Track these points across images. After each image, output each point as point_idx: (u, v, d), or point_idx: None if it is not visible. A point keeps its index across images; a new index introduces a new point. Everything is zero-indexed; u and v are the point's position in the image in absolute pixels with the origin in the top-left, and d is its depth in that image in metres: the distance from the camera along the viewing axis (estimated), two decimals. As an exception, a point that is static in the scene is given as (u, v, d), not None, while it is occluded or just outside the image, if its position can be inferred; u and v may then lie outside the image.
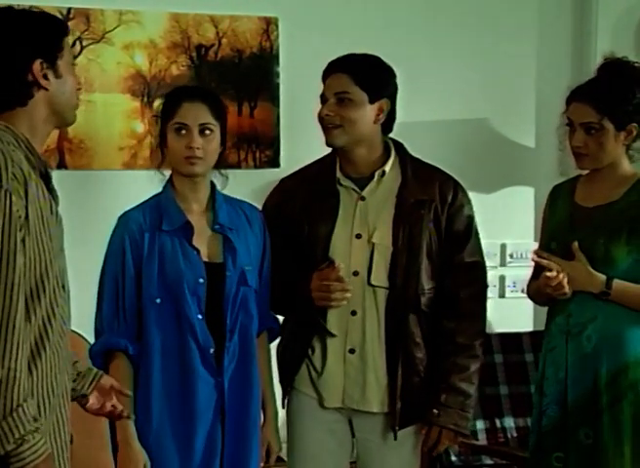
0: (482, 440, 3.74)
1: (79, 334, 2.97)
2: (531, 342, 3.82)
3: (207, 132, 2.55)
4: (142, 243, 2.52)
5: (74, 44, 3.37)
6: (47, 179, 2.10)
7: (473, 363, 2.70)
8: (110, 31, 3.51)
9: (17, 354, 1.93)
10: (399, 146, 2.76)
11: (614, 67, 2.74)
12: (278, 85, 3.72)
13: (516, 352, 3.90)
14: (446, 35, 3.90)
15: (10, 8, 2.14)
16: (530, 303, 3.64)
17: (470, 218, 2.74)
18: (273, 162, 3.72)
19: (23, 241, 1.97)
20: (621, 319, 2.68)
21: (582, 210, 2.77)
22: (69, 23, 3.32)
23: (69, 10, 3.43)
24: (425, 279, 2.67)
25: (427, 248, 2.66)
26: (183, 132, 2.54)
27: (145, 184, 3.40)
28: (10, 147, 2.01)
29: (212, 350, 2.51)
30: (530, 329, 3.93)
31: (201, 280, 2.52)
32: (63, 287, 2.13)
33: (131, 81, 3.55)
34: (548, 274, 2.67)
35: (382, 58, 2.72)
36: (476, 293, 2.73)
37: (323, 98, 2.71)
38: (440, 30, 3.90)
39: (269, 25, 3.70)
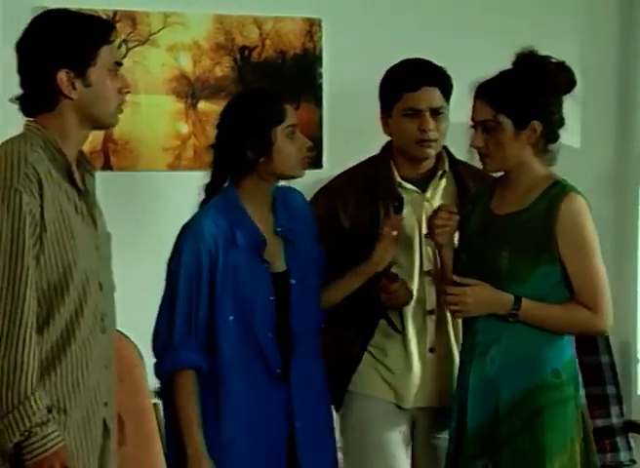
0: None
1: (125, 335, 2.97)
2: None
3: None
4: (217, 258, 2.44)
5: (120, 46, 3.39)
6: (73, 180, 2.14)
7: None
8: (155, 33, 3.53)
9: (23, 348, 1.98)
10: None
11: (524, 61, 2.52)
12: (321, 86, 3.72)
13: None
14: (489, 35, 3.87)
15: (51, 12, 2.19)
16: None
17: None
18: (316, 163, 3.71)
19: (41, 239, 2.02)
20: (527, 340, 2.46)
21: (494, 217, 2.54)
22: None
23: (115, 13, 3.46)
24: None
25: None
26: (295, 134, 2.50)
27: (189, 185, 3.43)
28: (32, 148, 2.06)
29: (278, 370, 2.48)
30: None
31: (271, 297, 2.48)
32: (100, 285, 2.17)
33: (175, 82, 3.57)
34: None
35: (425, 58, 2.72)
36: None
37: None
38: (483, 30, 3.86)
39: (313, 26, 3.70)
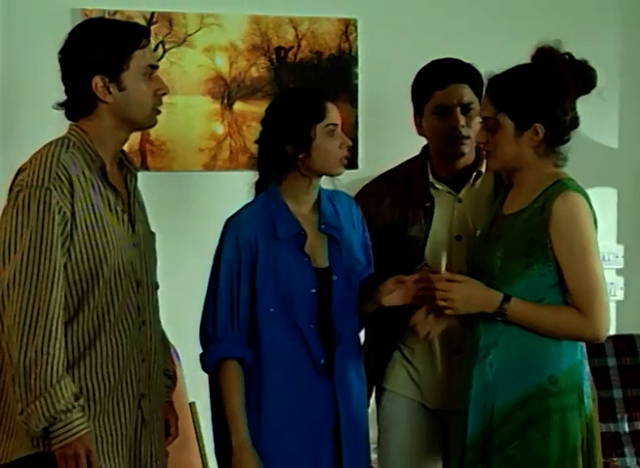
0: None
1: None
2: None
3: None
4: (257, 251, 2.47)
5: (157, 48, 3.43)
6: (108, 180, 2.24)
7: None
8: (192, 34, 3.55)
9: (49, 338, 2.08)
10: None
11: (538, 58, 2.40)
12: (357, 86, 3.72)
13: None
14: (525, 35, 3.82)
15: (87, 22, 2.32)
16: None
17: None
18: (352, 163, 3.71)
19: (72, 235, 2.13)
20: (523, 345, 2.36)
21: (501, 218, 2.46)
22: (152, 27, 3.39)
23: (152, 14, 3.48)
24: None
25: None
26: (335, 132, 2.50)
27: (224, 185, 3.46)
28: (67, 149, 2.17)
29: (322, 361, 2.49)
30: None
31: (313, 290, 2.49)
32: (138, 282, 2.26)
33: (211, 83, 3.59)
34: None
35: (462, 59, 2.72)
36: None
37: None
38: (519, 30, 3.83)
39: (348, 27, 3.70)
